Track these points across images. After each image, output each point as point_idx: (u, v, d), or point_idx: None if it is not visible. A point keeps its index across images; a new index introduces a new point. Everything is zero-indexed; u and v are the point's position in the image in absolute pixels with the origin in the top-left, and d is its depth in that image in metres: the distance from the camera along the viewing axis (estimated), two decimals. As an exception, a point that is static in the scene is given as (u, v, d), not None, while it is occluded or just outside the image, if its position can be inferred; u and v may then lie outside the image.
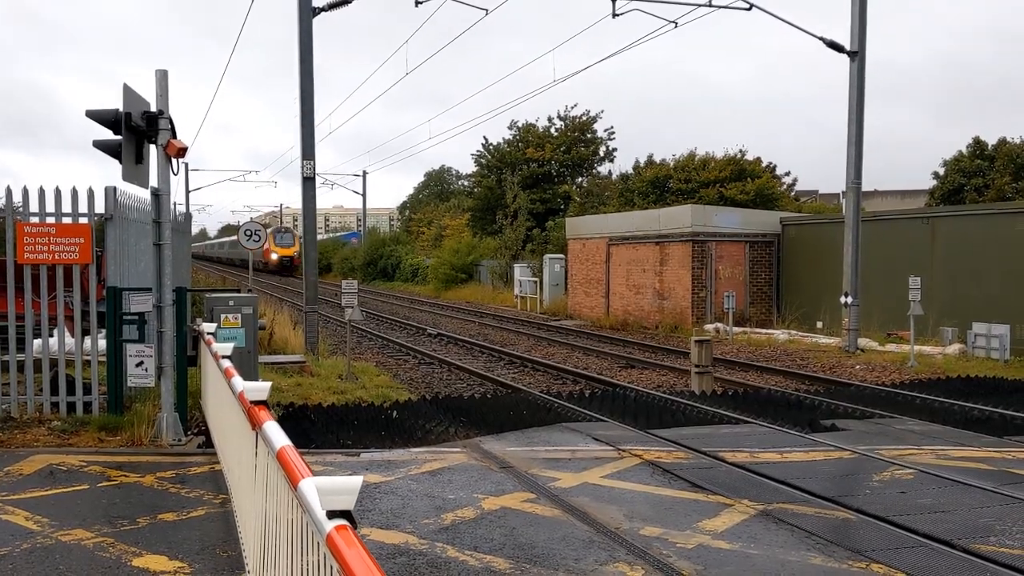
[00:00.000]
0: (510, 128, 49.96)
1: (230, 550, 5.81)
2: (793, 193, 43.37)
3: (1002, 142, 38.20)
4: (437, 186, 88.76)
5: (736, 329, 22.13)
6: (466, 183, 65.55)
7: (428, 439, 9.97)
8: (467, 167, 76.76)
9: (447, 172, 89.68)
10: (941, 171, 39.82)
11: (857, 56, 19.12)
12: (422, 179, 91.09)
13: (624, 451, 9.20)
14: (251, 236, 22.94)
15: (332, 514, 2.63)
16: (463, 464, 8.68)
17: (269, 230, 68.88)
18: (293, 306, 27.12)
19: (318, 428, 10.37)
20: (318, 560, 2.84)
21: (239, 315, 10.77)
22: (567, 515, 6.96)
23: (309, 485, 2.98)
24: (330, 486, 2.63)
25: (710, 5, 19.15)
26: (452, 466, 8.57)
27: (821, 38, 19.38)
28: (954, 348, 17.78)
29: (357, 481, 2.68)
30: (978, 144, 38.68)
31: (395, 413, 11.26)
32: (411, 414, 11.25)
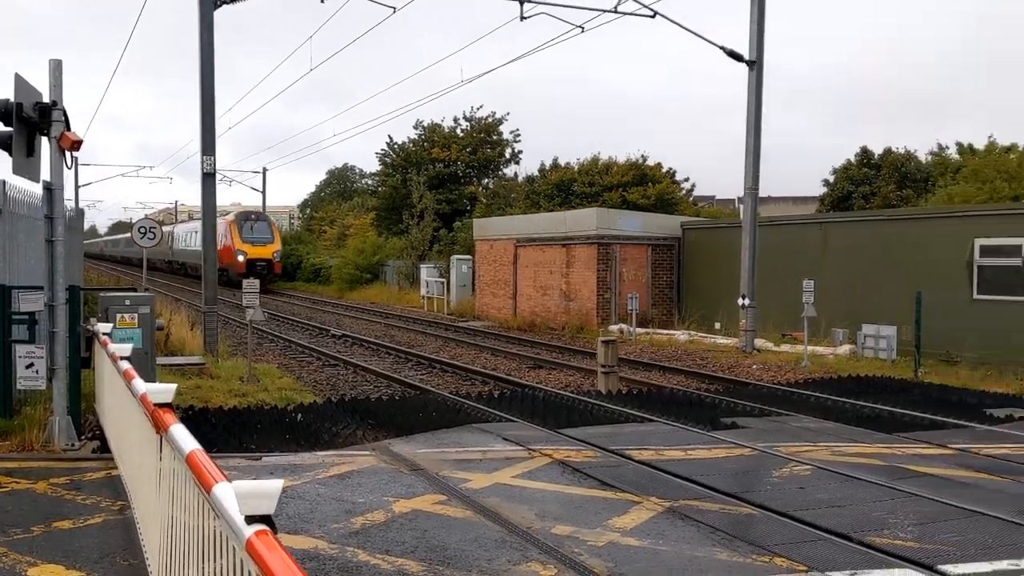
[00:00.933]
0: (415, 128, 49.73)
1: (131, 558, 5.59)
2: (691, 198, 44.51)
3: (887, 151, 40.09)
4: (340, 184, 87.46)
5: (639, 330, 22.55)
6: (370, 182, 64.81)
7: (335, 442, 9.82)
8: (371, 166, 75.99)
9: (350, 170, 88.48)
10: (831, 178, 41.52)
11: (755, 65, 19.73)
12: (324, 177, 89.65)
13: (534, 451, 9.26)
14: (145, 233, 22.19)
15: (251, 519, 2.56)
16: (372, 467, 8.58)
17: (227, 217, 47.52)
18: (191, 306, 26.32)
19: (219, 432, 10.08)
20: (233, 566, 2.77)
21: (135, 315, 10.39)
22: (479, 516, 6.95)
23: (226, 490, 2.89)
24: (250, 490, 2.56)
25: (615, 11, 19.46)
26: (361, 469, 8.47)
27: (722, 47, 19.91)
28: (845, 348, 18.53)
29: (277, 485, 2.62)
30: (865, 153, 40.50)
31: (300, 416, 11.05)
32: (317, 417, 11.05)
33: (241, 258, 44.83)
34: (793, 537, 6.55)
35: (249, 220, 46.89)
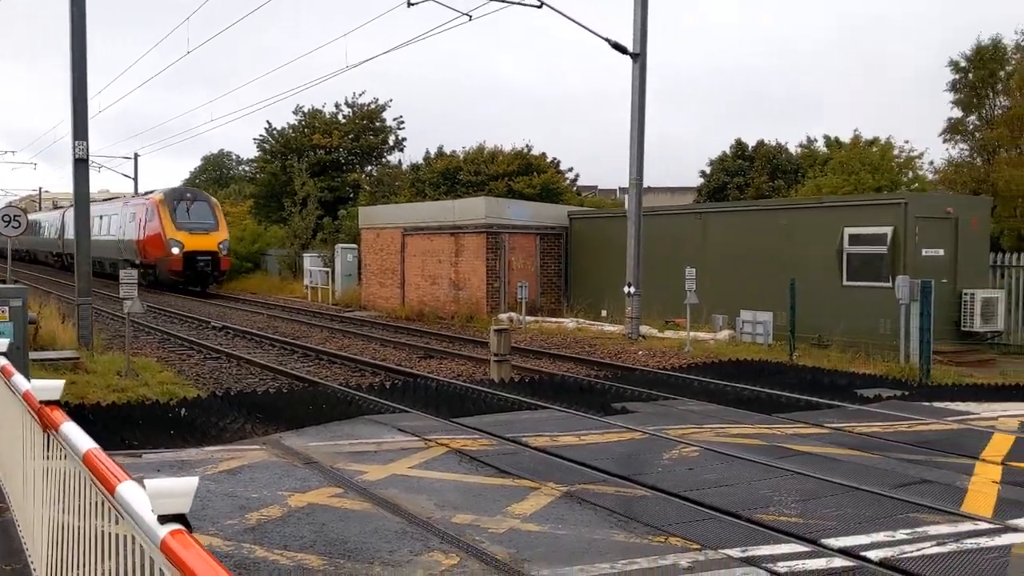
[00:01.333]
0: (295, 113, 48.55)
1: (14, 562, 5.29)
2: (575, 188, 45.17)
3: (760, 144, 41.70)
4: (215, 171, 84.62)
5: (528, 318, 22.77)
6: (247, 168, 62.95)
7: (223, 437, 9.56)
8: (249, 152, 73.71)
9: (226, 156, 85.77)
10: (707, 170, 42.91)
11: (639, 58, 20.15)
12: (199, 163, 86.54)
13: (430, 441, 9.24)
14: (10, 222, 20.97)
15: (165, 518, 2.48)
16: (264, 461, 8.40)
17: (154, 196, 36.65)
18: (61, 299, 25.03)
19: (98, 429, 9.62)
20: (140, 567, 2.68)
21: (7, 308, 9.82)
22: (377, 507, 6.91)
23: (132, 489, 2.79)
24: (163, 489, 2.47)
25: (503, 0, 19.52)
26: (252, 464, 8.28)
27: (607, 39, 20.21)
28: (725, 334, 19.22)
29: (193, 482, 2.54)
30: (740, 146, 42.00)
31: (184, 410, 10.69)
32: (202, 411, 10.73)
33: (177, 251, 33.98)
34: (686, 517, 6.77)
35: (184, 200, 35.71)
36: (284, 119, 61.64)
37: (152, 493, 2.47)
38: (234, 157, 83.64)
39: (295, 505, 6.94)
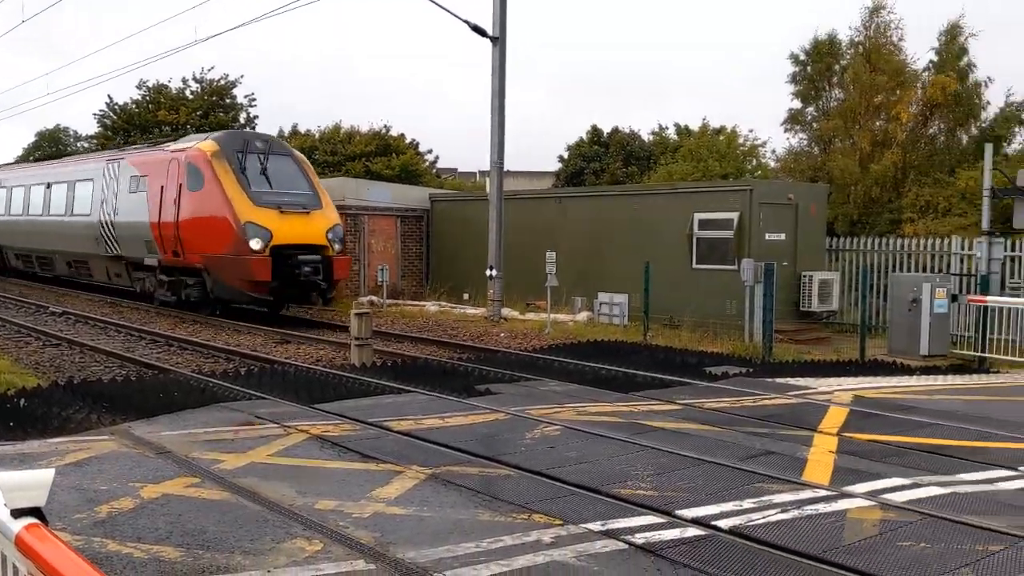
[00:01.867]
0: (139, 88, 46.18)
1: None
2: (435, 170, 45.07)
3: (615, 131, 42.81)
4: (51, 147, 79.46)
5: (389, 302, 22.61)
6: (87, 145, 59.47)
7: (67, 428, 9.08)
8: (88, 128, 69.48)
9: (63, 132, 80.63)
10: (565, 155, 43.73)
11: (499, 42, 20.26)
12: (33, 139, 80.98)
13: (290, 427, 9.07)
14: None
15: (19, 512, 2.37)
16: (113, 452, 8.04)
17: (202, 145, 19.82)
18: None
19: (-76, 423, 8.96)
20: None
21: None
22: (236, 496, 6.74)
23: (-22, 483, 2.63)
24: (18, 482, 2.37)
25: (362, -21, 19.17)
26: (100, 455, 7.90)
27: (466, 21, 20.20)
28: (583, 315, 19.70)
29: (48, 474, 2.44)
30: (596, 132, 42.98)
31: (23, 401, 10.08)
32: (43, 401, 10.14)
33: (258, 244, 18.40)
34: (548, 494, 6.94)
35: (254, 152, 19.73)
36: (127, 94, 58.36)
37: (5, 487, 2.36)
38: (72, 133, 78.65)
39: (148, 496, 6.69)
